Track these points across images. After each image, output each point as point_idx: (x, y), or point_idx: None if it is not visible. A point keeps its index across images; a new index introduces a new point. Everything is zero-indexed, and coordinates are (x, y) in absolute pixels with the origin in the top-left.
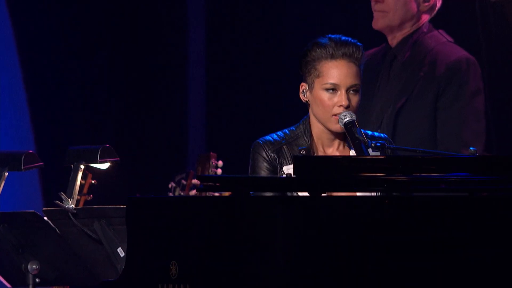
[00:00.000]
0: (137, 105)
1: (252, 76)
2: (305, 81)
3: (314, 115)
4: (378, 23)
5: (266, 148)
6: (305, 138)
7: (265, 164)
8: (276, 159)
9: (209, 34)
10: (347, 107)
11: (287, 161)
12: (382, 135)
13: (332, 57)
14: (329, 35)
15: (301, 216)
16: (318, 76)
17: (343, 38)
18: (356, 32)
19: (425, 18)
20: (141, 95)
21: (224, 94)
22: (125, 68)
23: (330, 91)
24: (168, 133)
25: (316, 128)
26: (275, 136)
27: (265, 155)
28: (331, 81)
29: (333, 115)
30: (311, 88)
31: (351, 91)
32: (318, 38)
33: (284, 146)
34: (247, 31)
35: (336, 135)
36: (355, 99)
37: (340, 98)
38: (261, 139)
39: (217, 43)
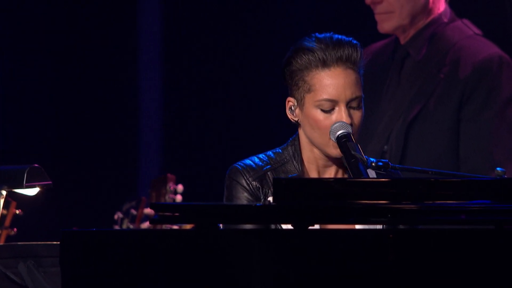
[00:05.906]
0: (75, 115)
1: (216, 83)
2: (293, 96)
3: (308, 138)
4: (385, 26)
5: (247, 175)
6: (294, 163)
7: (245, 194)
8: (259, 188)
9: (165, 40)
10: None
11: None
12: (380, 163)
13: (324, 64)
14: (316, 35)
15: (283, 254)
16: (309, 91)
17: (335, 37)
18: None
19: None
20: (79, 102)
21: (183, 102)
22: (58, 71)
23: (326, 109)
24: (114, 151)
25: (309, 152)
26: (256, 160)
27: (245, 184)
28: (327, 96)
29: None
30: (300, 104)
31: (352, 105)
32: (302, 40)
33: (269, 173)
34: (206, 42)
35: (334, 159)
36: (357, 115)
37: (340, 115)
38: (239, 163)
39: (173, 44)
